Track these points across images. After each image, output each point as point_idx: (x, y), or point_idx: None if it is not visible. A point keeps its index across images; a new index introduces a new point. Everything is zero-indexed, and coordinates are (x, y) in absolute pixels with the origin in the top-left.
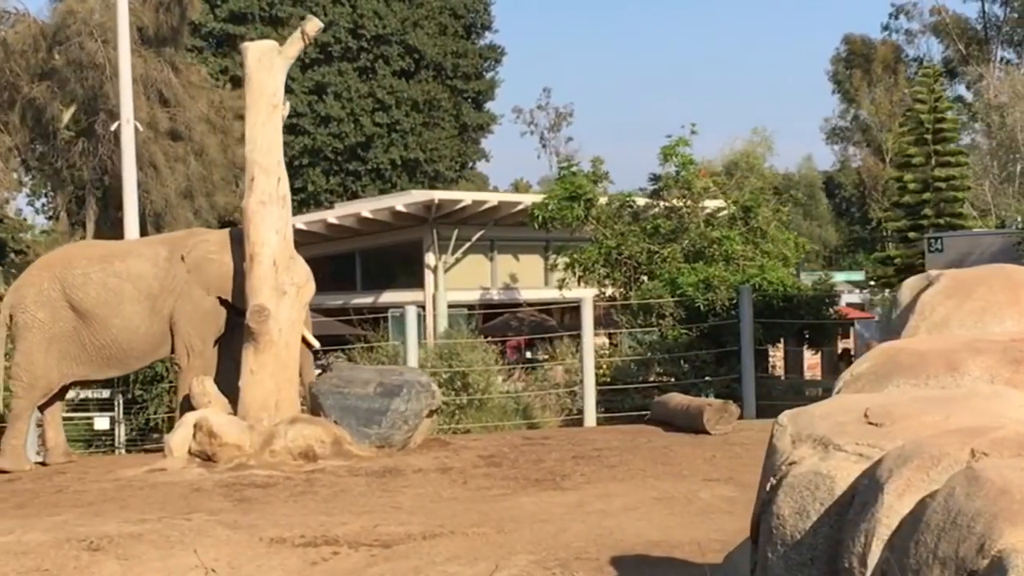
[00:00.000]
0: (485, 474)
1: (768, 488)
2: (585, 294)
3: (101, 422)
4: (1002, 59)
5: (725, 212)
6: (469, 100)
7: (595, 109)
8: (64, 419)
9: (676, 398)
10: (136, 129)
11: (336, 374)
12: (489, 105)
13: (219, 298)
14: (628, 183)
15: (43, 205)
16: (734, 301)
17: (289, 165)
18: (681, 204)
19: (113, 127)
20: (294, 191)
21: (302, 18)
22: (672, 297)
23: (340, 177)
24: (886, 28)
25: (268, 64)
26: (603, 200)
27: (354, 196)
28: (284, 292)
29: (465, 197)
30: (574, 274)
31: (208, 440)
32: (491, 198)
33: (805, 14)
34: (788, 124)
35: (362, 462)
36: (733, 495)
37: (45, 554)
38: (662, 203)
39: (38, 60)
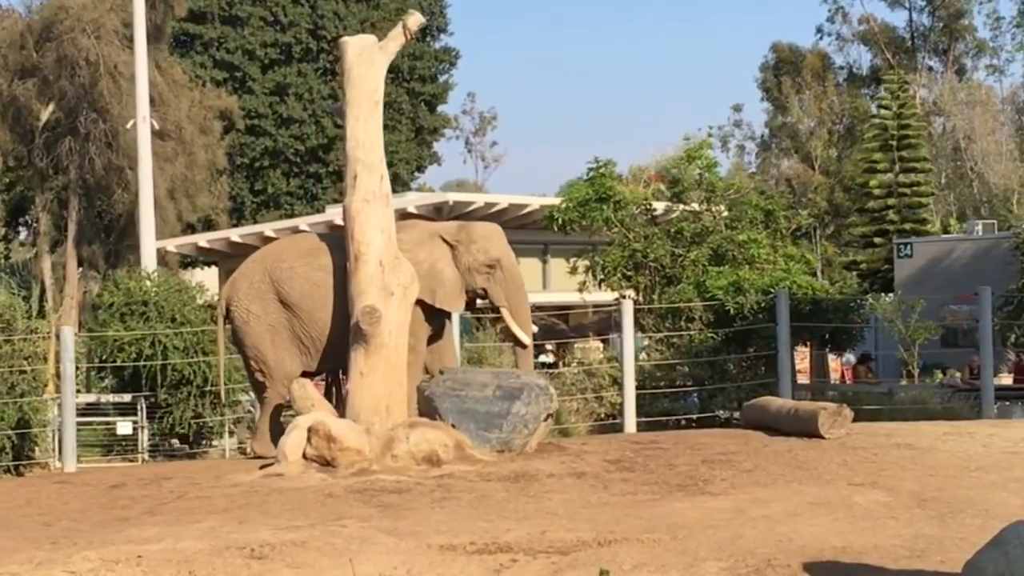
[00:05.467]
0: (623, 479)
1: None
2: (606, 297)
3: (123, 427)
4: (929, 68)
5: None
6: (423, 103)
7: (518, 114)
8: (83, 424)
9: (776, 401)
10: (152, 127)
11: (450, 376)
12: (441, 108)
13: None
14: (548, 187)
15: None
16: (762, 305)
17: (249, 167)
18: (705, 208)
19: (128, 125)
20: (254, 193)
21: (261, 18)
22: (699, 301)
23: (301, 179)
24: (819, 31)
25: (369, 59)
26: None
27: (314, 199)
28: (391, 293)
29: (477, 199)
30: (595, 277)
31: (326, 445)
32: (501, 200)
33: (731, 23)
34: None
35: (488, 467)
36: (888, 500)
37: (209, 563)
38: (682, 206)
39: (22, 57)
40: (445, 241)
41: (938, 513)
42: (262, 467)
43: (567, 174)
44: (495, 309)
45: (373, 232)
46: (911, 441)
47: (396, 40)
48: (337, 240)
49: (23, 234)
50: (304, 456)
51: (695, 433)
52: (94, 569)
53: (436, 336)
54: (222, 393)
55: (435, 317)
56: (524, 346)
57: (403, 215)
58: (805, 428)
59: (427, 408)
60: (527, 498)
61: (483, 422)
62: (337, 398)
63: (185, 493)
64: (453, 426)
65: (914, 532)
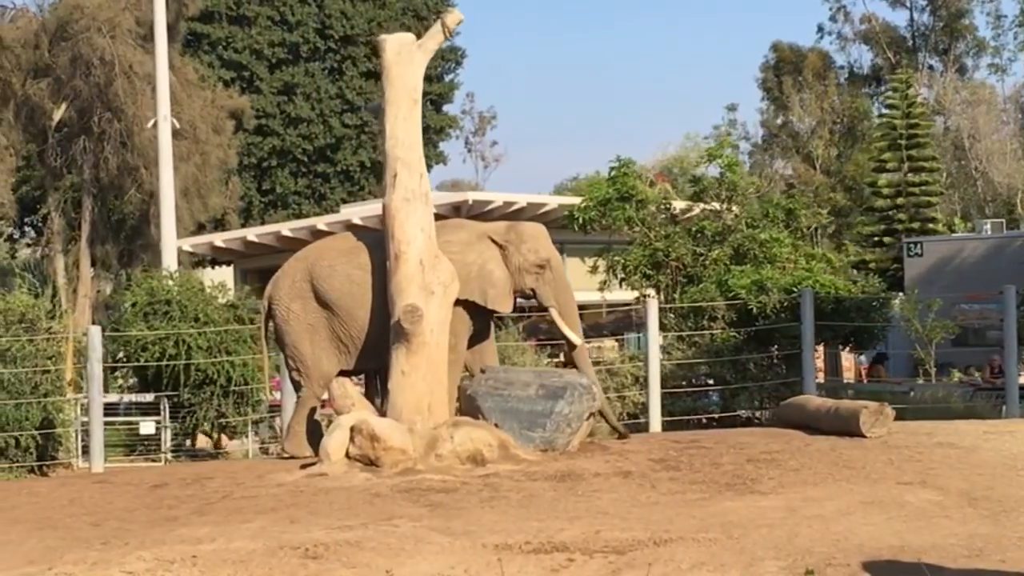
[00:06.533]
0: (671, 478)
1: None
2: (625, 296)
3: (146, 427)
4: (930, 67)
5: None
6: (430, 102)
7: (514, 113)
8: (106, 423)
9: (815, 400)
10: (173, 126)
11: (492, 375)
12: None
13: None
14: (543, 187)
15: None
16: (785, 304)
17: (257, 166)
18: (726, 207)
19: (149, 124)
20: (262, 193)
21: (269, 17)
22: (721, 300)
23: (308, 179)
24: (820, 30)
25: (407, 58)
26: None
27: (322, 198)
28: (432, 292)
29: (496, 198)
30: (615, 276)
31: (370, 444)
32: (520, 199)
33: (729, 23)
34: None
35: (533, 466)
36: (939, 499)
37: (265, 563)
38: (702, 205)
39: (36, 56)
40: (495, 242)
41: (991, 512)
42: (303, 466)
43: (561, 174)
44: (541, 308)
45: (413, 230)
46: (953, 440)
47: (435, 38)
48: (378, 239)
49: (30, 234)
50: (347, 455)
51: (735, 432)
52: (151, 569)
53: (480, 335)
54: (267, 391)
55: (479, 316)
56: (574, 346)
57: None
58: (846, 427)
59: (470, 407)
60: (576, 497)
61: (526, 421)
62: (370, 398)
63: (230, 493)
64: (496, 425)
65: (969, 531)
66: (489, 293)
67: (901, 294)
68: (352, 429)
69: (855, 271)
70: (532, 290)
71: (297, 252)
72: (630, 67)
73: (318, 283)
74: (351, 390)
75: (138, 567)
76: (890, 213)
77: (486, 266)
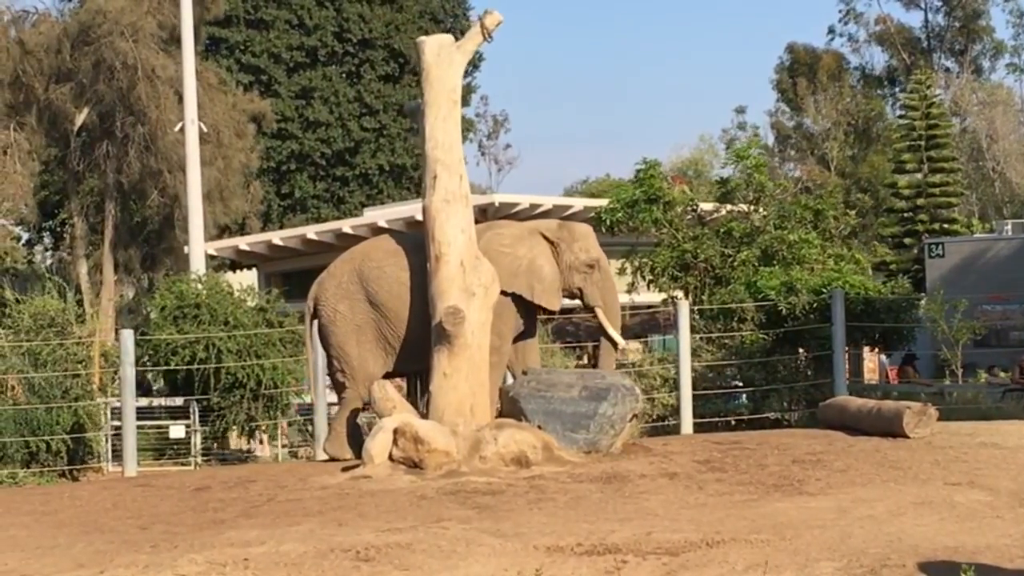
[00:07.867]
0: (717, 479)
1: None
2: (651, 298)
3: (176, 431)
4: (946, 69)
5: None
6: None
7: (523, 115)
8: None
9: (856, 400)
10: (201, 129)
11: (534, 377)
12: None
13: (512, 294)
14: (553, 189)
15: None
16: (814, 305)
17: (276, 170)
18: (754, 208)
19: (177, 128)
20: (281, 197)
21: (287, 21)
22: (750, 301)
23: (327, 182)
24: (831, 31)
25: (447, 59)
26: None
27: (341, 202)
28: (473, 293)
29: (522, 200)
30: (643, 278)
31: (413, 446)
32: (545, 201)
33: (742, 25)
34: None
35: (578, 468)
36: (989, 499)
37: (317, 565)
38: (729, 206)
39: (58, 61)
40: (546, 238)
41: None
42: (346, 469)
43: (571, 177)
44: (567, 311)
45: (454, 232)
46: (997, 440)
47: (473, 39)
48: (423, 240)
49: (47, 239)
50: (390, 458)
51: (776, 433)
52: (203, 572)
53: (527, 334)
54: (314, 394)
55: (526, 315)
56: (617, 346)
57: None
58: (889, 427)
59: (512, 409)
60: (623, 499)
61: (570, 423)
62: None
63: (274, 496)
64: (539, 427)
65: (1023, 531)
66: (536, 288)
67: (923, 295)
68: (395, 431)
69: (872, 272)
70: (579, 289)
71: (342, 254)
72: (637, 69)
73: (367, 284)
74: (392, 392)
75: (190, 570)
76: (909, 214)
77: (536, 261)
